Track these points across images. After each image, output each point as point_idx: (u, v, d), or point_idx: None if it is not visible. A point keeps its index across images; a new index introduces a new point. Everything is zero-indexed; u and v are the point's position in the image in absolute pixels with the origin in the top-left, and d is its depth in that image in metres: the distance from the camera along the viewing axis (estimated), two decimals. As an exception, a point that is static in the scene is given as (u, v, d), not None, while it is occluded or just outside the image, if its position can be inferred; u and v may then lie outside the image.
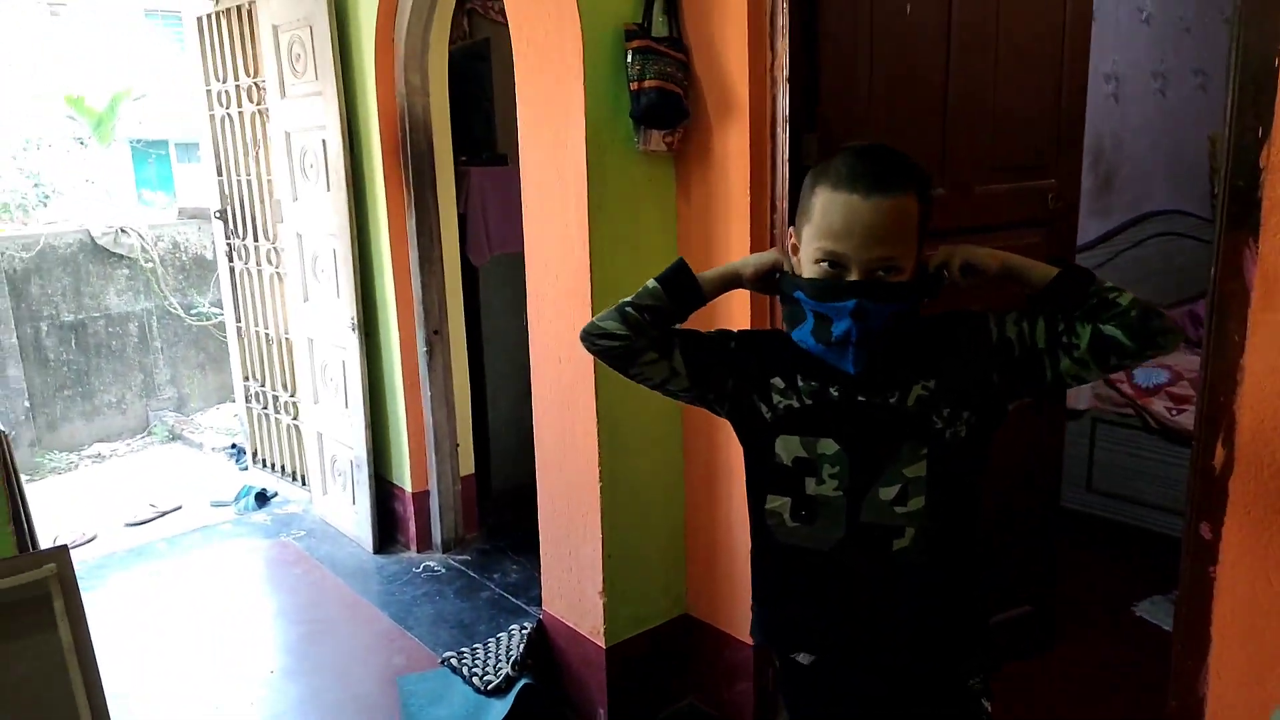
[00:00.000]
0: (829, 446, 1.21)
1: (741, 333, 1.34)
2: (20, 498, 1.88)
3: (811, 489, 1.22)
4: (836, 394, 1.21)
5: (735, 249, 2.11)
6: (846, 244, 1.12)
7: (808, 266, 1.19)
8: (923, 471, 1.19)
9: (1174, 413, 3.11)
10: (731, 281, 1.31)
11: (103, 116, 9.88)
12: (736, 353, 1.30)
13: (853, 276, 1.13)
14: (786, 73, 1.98)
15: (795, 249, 1.24)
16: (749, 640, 2.28)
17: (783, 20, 1.97)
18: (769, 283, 1.30)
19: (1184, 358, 3.25)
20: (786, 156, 2.01)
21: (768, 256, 1.30)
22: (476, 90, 3.89)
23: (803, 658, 1.30)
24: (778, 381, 1.25)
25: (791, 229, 1.25)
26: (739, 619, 2.31)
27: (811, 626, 1.29)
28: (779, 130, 2.02)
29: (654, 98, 2.03)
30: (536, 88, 2.21)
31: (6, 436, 1.90)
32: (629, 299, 1.28)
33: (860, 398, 1.20)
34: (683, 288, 1.28)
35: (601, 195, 2.11)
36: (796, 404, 1.23)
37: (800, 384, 1.23)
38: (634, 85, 2.04)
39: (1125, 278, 2.99)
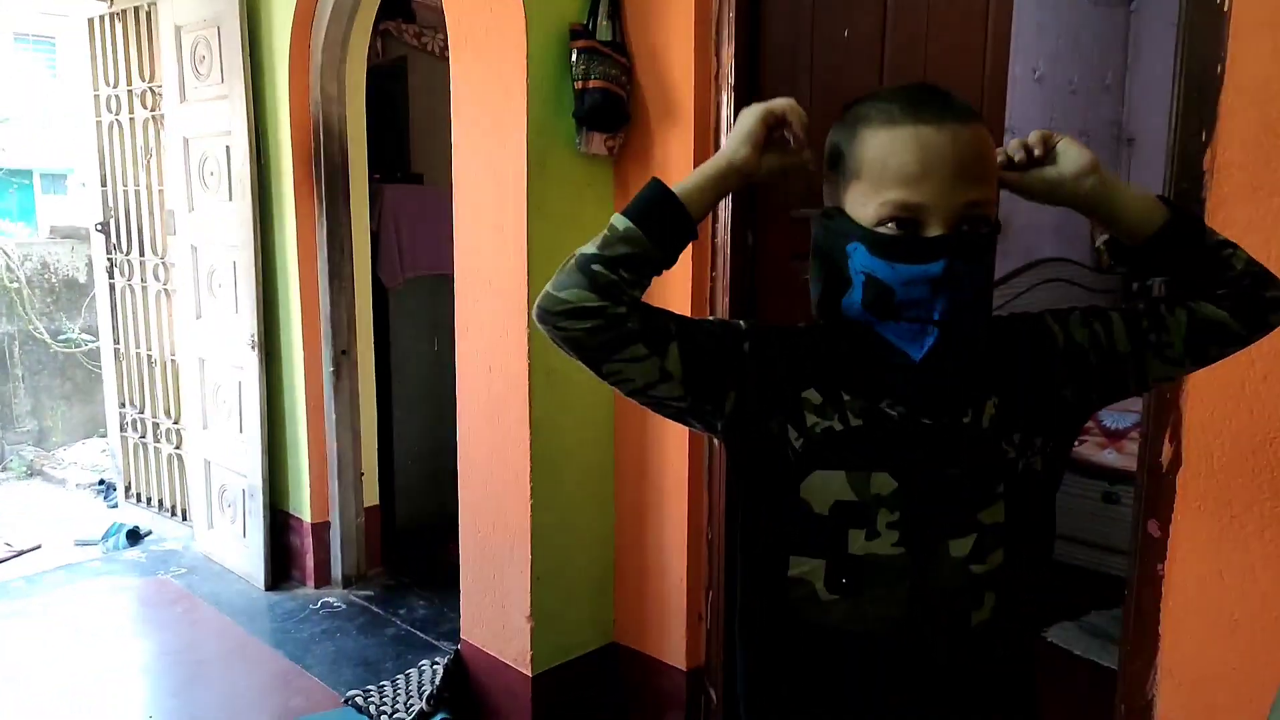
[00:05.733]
0: (885, 484, 0.89)
1: (752, 329, 0.95)
2: None
3: (857, 546, 0.89)
4: (895, 413, 0.90)
5: (677, 256, 2.08)
6: (925, 189, 0.83)
7: None
8: (1001, 516, 0.90)
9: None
10: (726, 180, 0.93)
11: (-38, 137, 9.20)
12: (750, 360, 0.93)
13: (933, 232, 0.84)
14: (731, 81, 1.99)
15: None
16: (681, 666, 2.20)
17: (728, 30, 1.98)
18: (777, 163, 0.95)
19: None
20: (730, 164, 2.00)
21: (754, 121, 0.93)
22: (391, 110, 3.77)
23: None
24: (812, 395, 0.91)
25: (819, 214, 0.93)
26: (670, 646, 2.22)
27: None
28: (722, 137, 2.01)
29: (599, 98, 1.99)
30: (474, 85, 2.14)
31: None
32: (590, 249, 0.89)
33: (925, 419, 0.89)
34: (666, 219, 0.90)
35: (542, 196, 2.04)
36: (840, 426, 0.90)
37: (846, 398, 0.90)
38: (579, 84, 2.00)
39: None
